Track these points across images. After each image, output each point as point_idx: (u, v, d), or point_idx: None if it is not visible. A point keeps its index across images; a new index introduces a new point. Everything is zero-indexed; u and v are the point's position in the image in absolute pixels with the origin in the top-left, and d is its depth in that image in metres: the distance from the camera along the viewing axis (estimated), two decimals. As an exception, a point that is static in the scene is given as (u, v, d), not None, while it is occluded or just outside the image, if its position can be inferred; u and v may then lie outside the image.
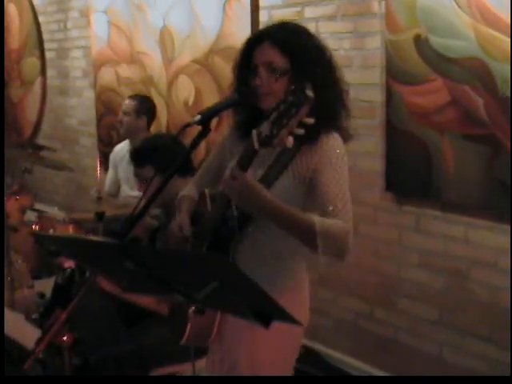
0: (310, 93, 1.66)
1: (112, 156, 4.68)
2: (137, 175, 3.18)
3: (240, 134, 2.15)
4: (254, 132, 1.74)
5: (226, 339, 2.17)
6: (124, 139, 4.63)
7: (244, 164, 1.82)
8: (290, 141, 1.67)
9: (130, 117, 4.43)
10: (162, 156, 2.91)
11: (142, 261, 1.57)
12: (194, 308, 1.74)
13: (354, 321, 3.82)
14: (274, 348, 2.12)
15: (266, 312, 1.56)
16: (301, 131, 1.67)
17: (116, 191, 4.58)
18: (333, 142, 1.99)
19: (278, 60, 1.97)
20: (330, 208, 1.91)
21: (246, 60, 2.05)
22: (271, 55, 1.97)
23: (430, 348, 3.44)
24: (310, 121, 1.68)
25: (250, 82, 2.03)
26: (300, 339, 2.23)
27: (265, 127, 1.70)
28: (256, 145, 1.73)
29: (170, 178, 1.94)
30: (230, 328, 2.13)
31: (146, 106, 4.53)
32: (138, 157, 3.13)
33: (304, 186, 2.00)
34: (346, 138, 2.06)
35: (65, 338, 2.75)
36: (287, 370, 2.21)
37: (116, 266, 1.66)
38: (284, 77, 1.97)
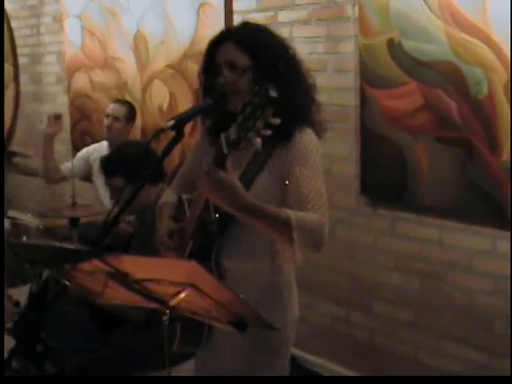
0: (273, 93, 1.65)
1: (87, 150, 4.56)
2: (107, 184, 3.17)
3: (211, 140, 2.16)
4: (223, 136, 1.74)
5: (217, 346, 2.17)
6: (106, 139, 4.49)
7: (217, 166, 1.80)
8: (258, 142, 1.66)
9: (121, 123, 4.35)
10: (131, 167, 2.90)
11: (117, 266, 1.56)
12: (167, 315, 1.73)
13: (330, 325, 3.82)
14: (265, 353, 2.13)
15: (242, 318, 1.56)
16: (268, 132, 1.67)
17: (80, 172, 4.47)
18: (306, 138, 2.01)
19: (239, 58, 1.99)
20: (306, 202, 1.94)
21: (210, 61, 2.07)
22: (232, 54, 2.00)
23: (406, 350, 3.45)
24: (276, 121, 1.68)
25: (215, 83, 2.04)
26: (291, 340, 2.23)
27: (232, 131, 1.70)
28: (225, 149, 1.73)
29: (142, 187, 1.94)
30: (221, 335, 2.12)
31: (133, 113, 4.47)
32: (108, 168, 3.12)
33: (282, 184, 2.01)
34: (320, 131, 2.08)
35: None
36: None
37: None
38: (246, 74, 1.99)
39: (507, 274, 2.98)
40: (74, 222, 3.76)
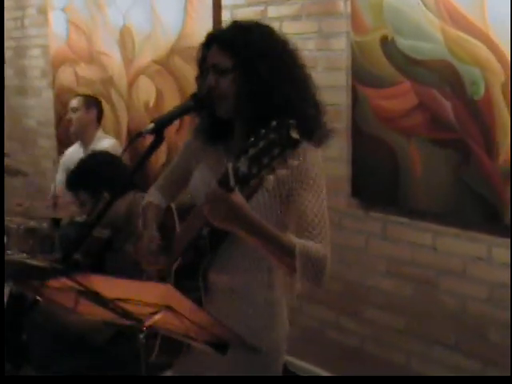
0: (295, 135, 1.47)
1: (63, 160, 4.60)
2: (75, 198, 3.11)
3: (203, 140, 2.06)
4: (230, 166, 1.55)
5: (200, 364, 2.03)
6: (75, 138, 4.58)
7: (225, 187, 1.62)
8: (271, 181, 1.50)
9: (80, 112, 4.46)
10: (94, 180, 2.88)
11: (87, 285, 1.45)
12: (144, 333, 1.62)
13: (319, 330, 3.73)
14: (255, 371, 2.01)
15: (222, 340, 1.46)
16: (283, 171, 1.50)
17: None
18: (309, 157, 1.86)
19: (221, 60, 1.89)
20: (309, 230, 1.83)
21: (202, 65, 1.99)
22: (215, 56, 1.91)
23: (398, 357, 3.37)
24: (295, 163, 1.51)
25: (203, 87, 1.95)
26: (283, 358, 2.12)
27: (242, 163, 1.51)
28: (232, 182, 1.55)
29: (112, 202, 1.87)
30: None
31: (93, 100, 4.59)
32: (71, 183, 3.09)
33: (280, 201, 1.90)
34: (324, 138, 1.91)
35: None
36: None
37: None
38: (227, 75, 1.88)
39: (502, 282, 2.90)
40: (55, 222, 3.70)
